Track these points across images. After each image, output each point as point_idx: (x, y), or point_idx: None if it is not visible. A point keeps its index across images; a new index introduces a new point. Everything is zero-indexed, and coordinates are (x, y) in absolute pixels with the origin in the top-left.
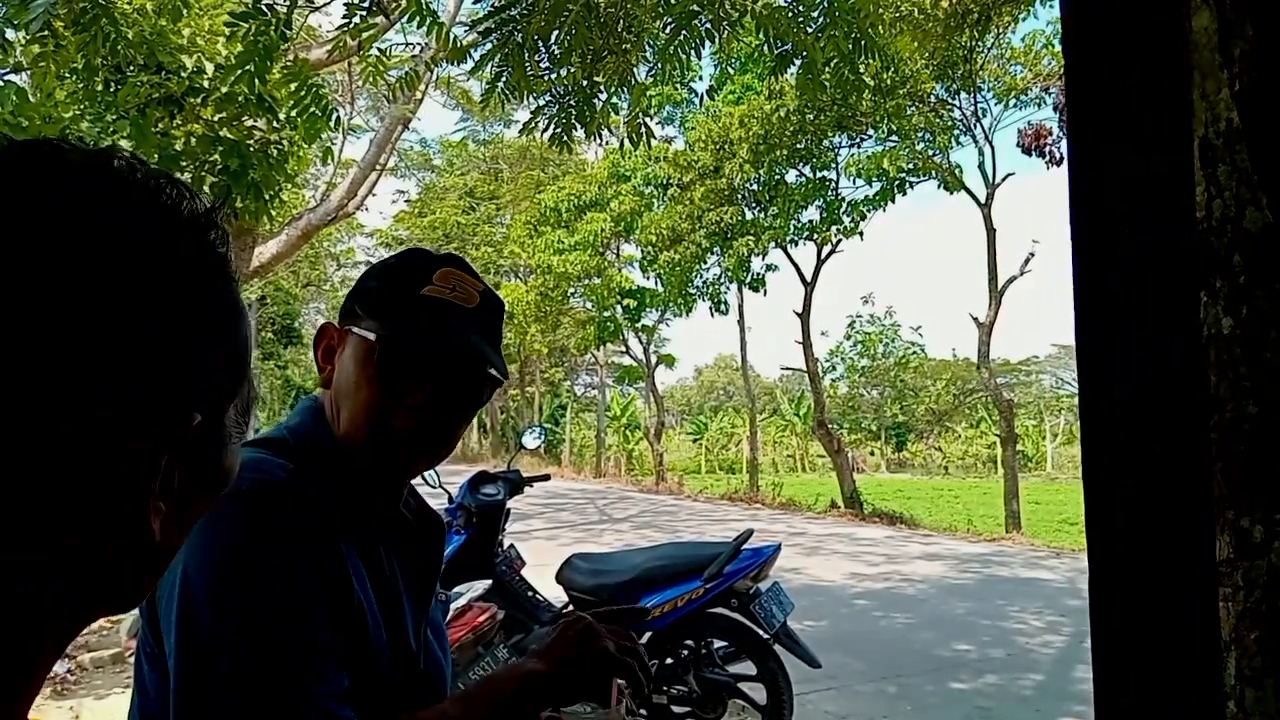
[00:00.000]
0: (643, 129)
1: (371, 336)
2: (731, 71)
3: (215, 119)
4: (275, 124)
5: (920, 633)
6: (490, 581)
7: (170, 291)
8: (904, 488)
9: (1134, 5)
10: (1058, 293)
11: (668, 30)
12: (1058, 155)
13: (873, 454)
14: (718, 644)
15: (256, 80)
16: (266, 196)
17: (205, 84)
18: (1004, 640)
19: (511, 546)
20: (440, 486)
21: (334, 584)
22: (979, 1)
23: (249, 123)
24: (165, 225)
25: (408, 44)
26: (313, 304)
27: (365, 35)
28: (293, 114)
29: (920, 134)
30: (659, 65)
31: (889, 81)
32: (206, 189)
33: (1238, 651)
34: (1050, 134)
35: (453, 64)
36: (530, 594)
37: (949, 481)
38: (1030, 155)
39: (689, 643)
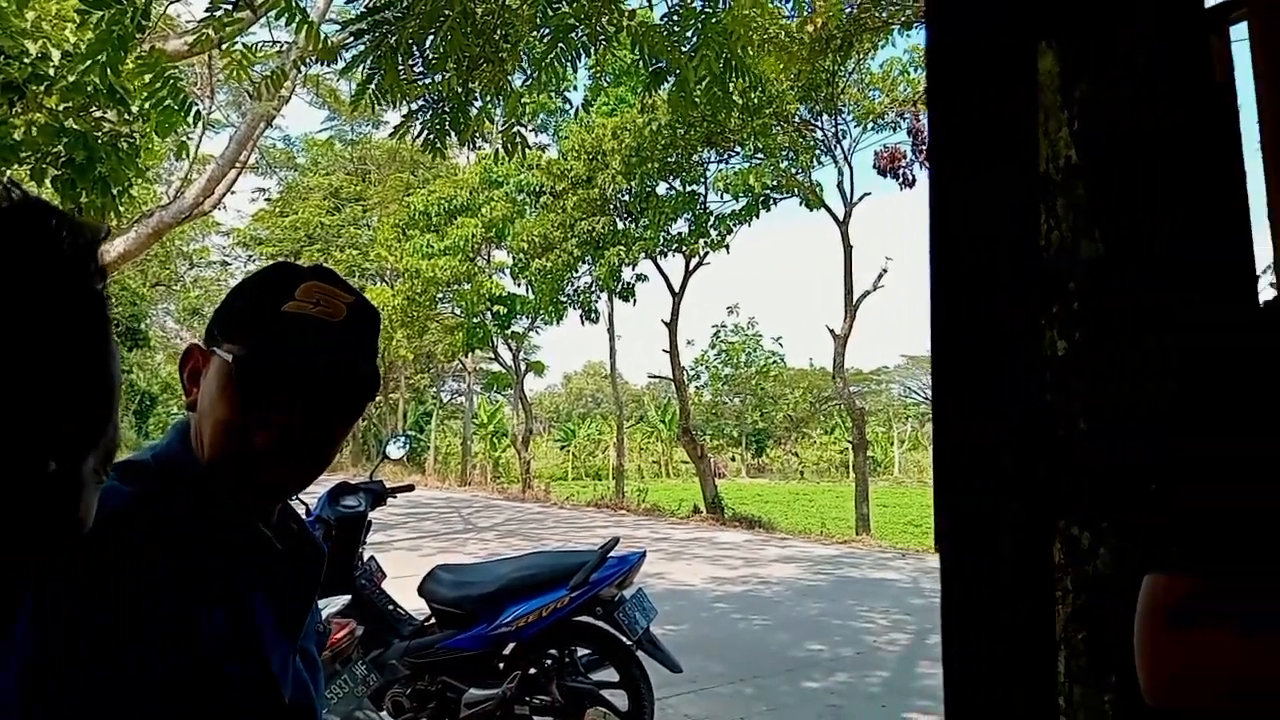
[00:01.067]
0: (517, 138)
1: (229, 357)
2: (606, 84)
3: (60, 108)
4: (127, 116)
5: (776, 634)
6: (349, 596)
7: (37, 335)
8: (763, 492)
9: (987, 50)
10: (907, 307)
11: (545, 41)
12: (911, 178)
13: (734, 459)
14: (581, 652)
15: (109, 70)
16: (115, 192)
17: (50, 72)
18: (853, 639)
19: (372, 559)
20: (297, 499)
21: (166, 611)
22: (842, 28)
23: (98, 114)
24: (38, 260)
25: (274, 41)
26: (161, 304)
27: (229, 29)
28: (146, 107)
29: (784, 152)
30: (535, 75)
31: (756, 101)
32: (49, 183)
33: (1067, 650)
34: (904, 157)
35: (322, 63)
36: (391, 608)
37: (805, 486)
38: (885, 177)
39: (553, 652)
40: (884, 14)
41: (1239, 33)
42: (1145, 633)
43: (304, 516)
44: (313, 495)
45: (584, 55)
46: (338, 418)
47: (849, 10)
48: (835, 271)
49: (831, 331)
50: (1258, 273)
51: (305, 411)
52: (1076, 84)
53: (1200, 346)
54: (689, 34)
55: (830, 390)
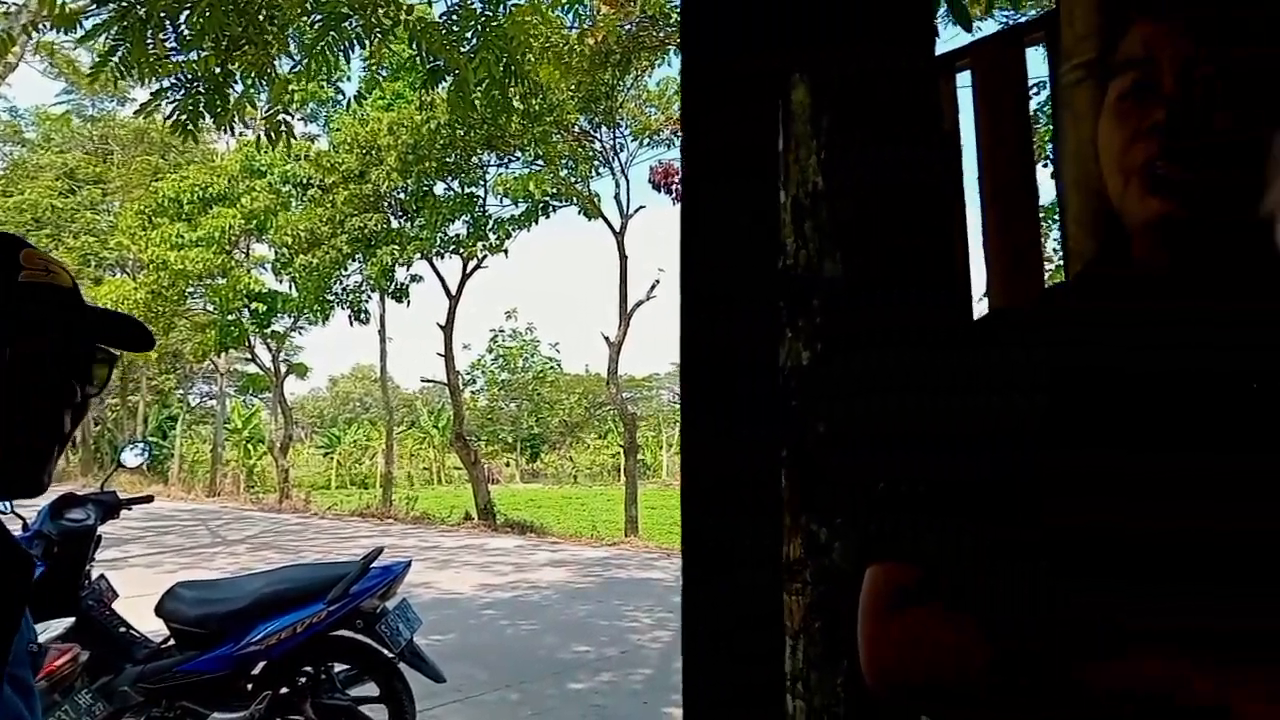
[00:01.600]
0: (282, 125)
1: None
2: (383, 77)
3: None
4: None
5: (544, 637)
6: (73, 619)
7: None
8: (536, 497)
9: (741, 83)
10: (677, 316)
11: (315, 27)
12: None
13: (509, 465)
14: (339, 668)
15: None
16: None
17: None
18: (619, 639)
19: (101, 578)
20: (11, 511)
21: None
22: (621, 44)
23: None
24: None
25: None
26: None
27: None
28: None
29: (564, 161)
30: (304, 61)
31: (537, 108)
32: None
33: (805, 639)
34: (678, 174)
35: (58, 30)
36: (122, 630)
37: (578, 490)
38: (659, 191)
39: (307, 669)
40: (661, 34)
41: (964, 79)
42: (866, 619)
43: (21, 531)
44: (34, 508)
45: (358, 46)
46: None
47: (628, 27)
48: (611, 281)
49: (606, 339)
50: (974, 297)
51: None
52: (823, 115)
53: (920, 357)
54: (468, 35)
55: (604, 396)
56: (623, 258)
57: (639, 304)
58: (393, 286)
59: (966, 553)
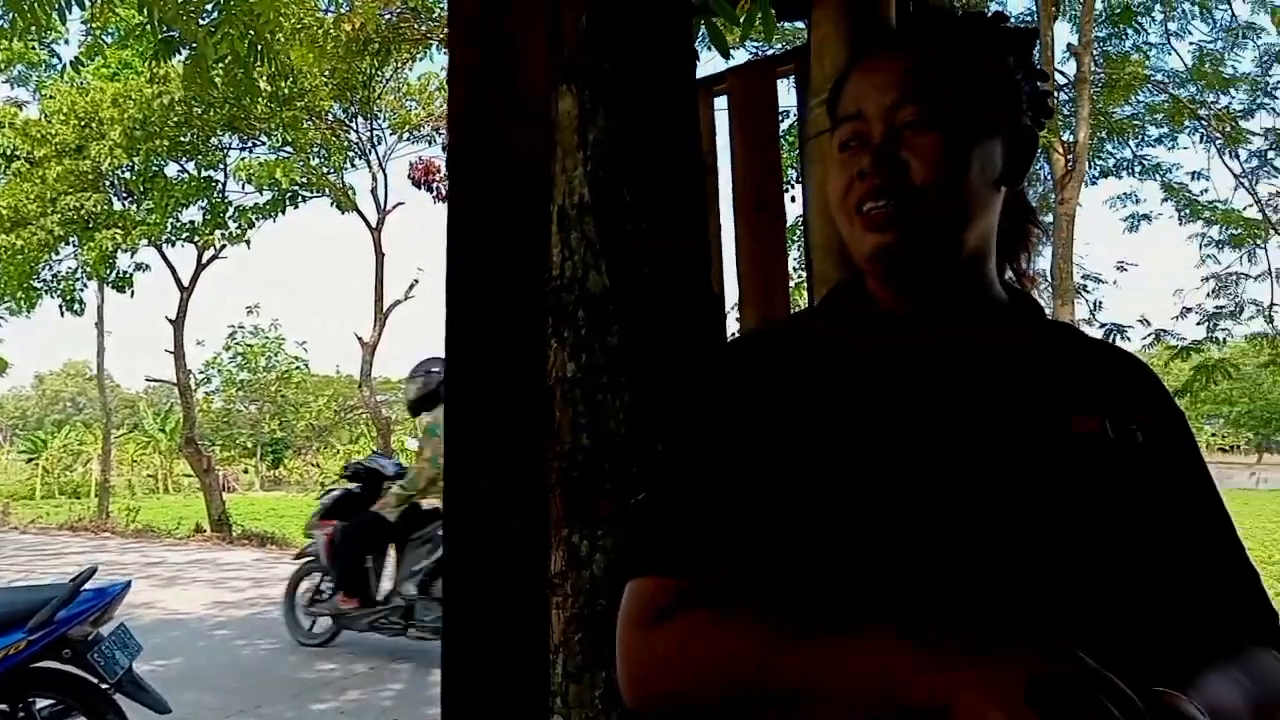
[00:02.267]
0: None
1: None
2: (107, 43)
3: None
4: None
5: (285, 657)
6: None
7: None
8: (278, 506)
9: (509, 87)
10: (437, 317)
11: None
12: (444, 191)
13: (247, 472)
14: (43, 703)
15: None
16: None
17: None
18: (367, 655)
19: None
20: None
21: None
22: (380, 33)
23: None
24: None
25: None
26: None
27: None
28: None
29: (316, 149)
30: (8, 15)
31: (287, 92)
32: None
33: (565, 652)
34: (438, 171)
35: None
36: None
37: None
38: (419, 188)
39: (3, 707)
40: (424, 28)
41: (722, 102)
42: (625, 632)
43: None
44: None
45: (76, 7)
46: None
47: (388, 17)
48: (367, 278)
49: (360, 339)
50: (727, 309)
51: None
52: (589, 128)
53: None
54: (209, 7)
55: (356, 399)
56: (379, 255)
57: (396, 304)
58: (114, 275)
59: (726, 561)
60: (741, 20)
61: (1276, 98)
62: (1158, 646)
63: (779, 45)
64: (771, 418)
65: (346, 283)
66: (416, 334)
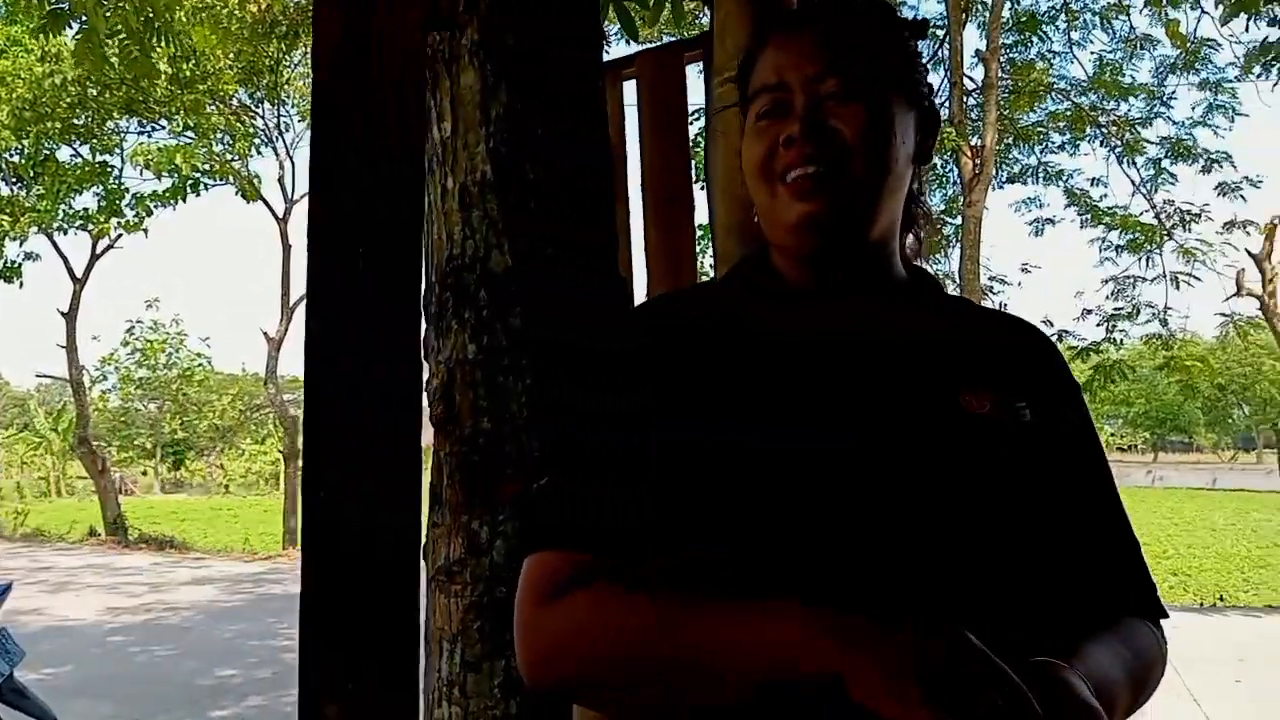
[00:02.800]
0: None
1: None
2: None
3: None
4: None
5: (183, 663)
6: None
7: None
8: (179, 509)
9: (387, 62)
10: None
11: None
12: None
13: (146, 474)
14: None
15: None
16: None
17: None
18: (272, 659)
19: None
20: None
21: None
22: (288, 15)
23: None
24: None
25: None
26: None
27: None
28: None
29: (219, 135)
30: None
31: (189, 74)
32: None
33: (464, 641)
34: None
35: None
36: None
37: (230, 500)
38: None
39: None
40: None
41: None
42: (523, 609)
43: None
44: None
45: None
46: None
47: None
48: (274, 271)
49: (266, 335)
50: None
51: None
52: (492, 103)
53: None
54: None
55: (262, 397)
56: (286, 247)
57: (303, 297)
58: (1, 264)
59: (627, 535)
60: (650, 5)
61: (1171, 107)
62: (1042, 617)
63: (689, 29)
64: (672, 393)
65: (252, 276)
66: None
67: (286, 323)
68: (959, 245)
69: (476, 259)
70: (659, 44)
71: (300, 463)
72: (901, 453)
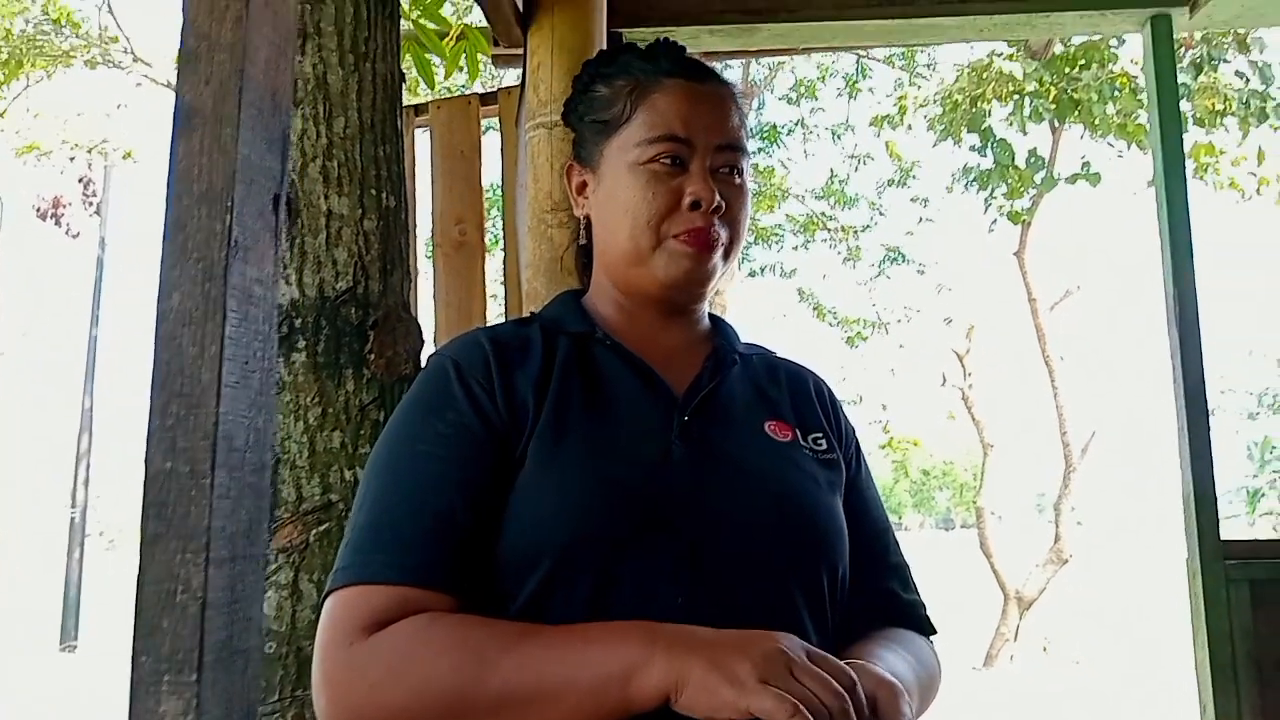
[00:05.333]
0: None
1: None
2: None
3: None
4: None
5: None
6: None
7: None
8: None
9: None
10: (65, 369)
11: None
12: (71, 228)
13: None
14: None
15: None
16: None
17: None
18: None
19: None
20: None
21: None
22: (11, 43)
23: None
24: None
25: None
26: None
27: None
28: None
29: None
30: None
31: None
32: None
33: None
34: (68, 205)
35: None
36: None
37: None
38: (46, 221)
39: None
40: (66, 43)
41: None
42: (329, 650)
43: None
44: None
45: None
46: None
47: (23, 27)
48: None
49: None
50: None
51: None
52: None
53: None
54: None
55: None
56: None
57: None
58: None
59: (442, 565)
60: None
61: (886, 216)
62: (837, 627)
63: (483, 84)
64: (490, 425)
65: None
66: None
67: None
68: None
69: (289, 284)
70: (457, 96)
71: None
72: (728, 477)
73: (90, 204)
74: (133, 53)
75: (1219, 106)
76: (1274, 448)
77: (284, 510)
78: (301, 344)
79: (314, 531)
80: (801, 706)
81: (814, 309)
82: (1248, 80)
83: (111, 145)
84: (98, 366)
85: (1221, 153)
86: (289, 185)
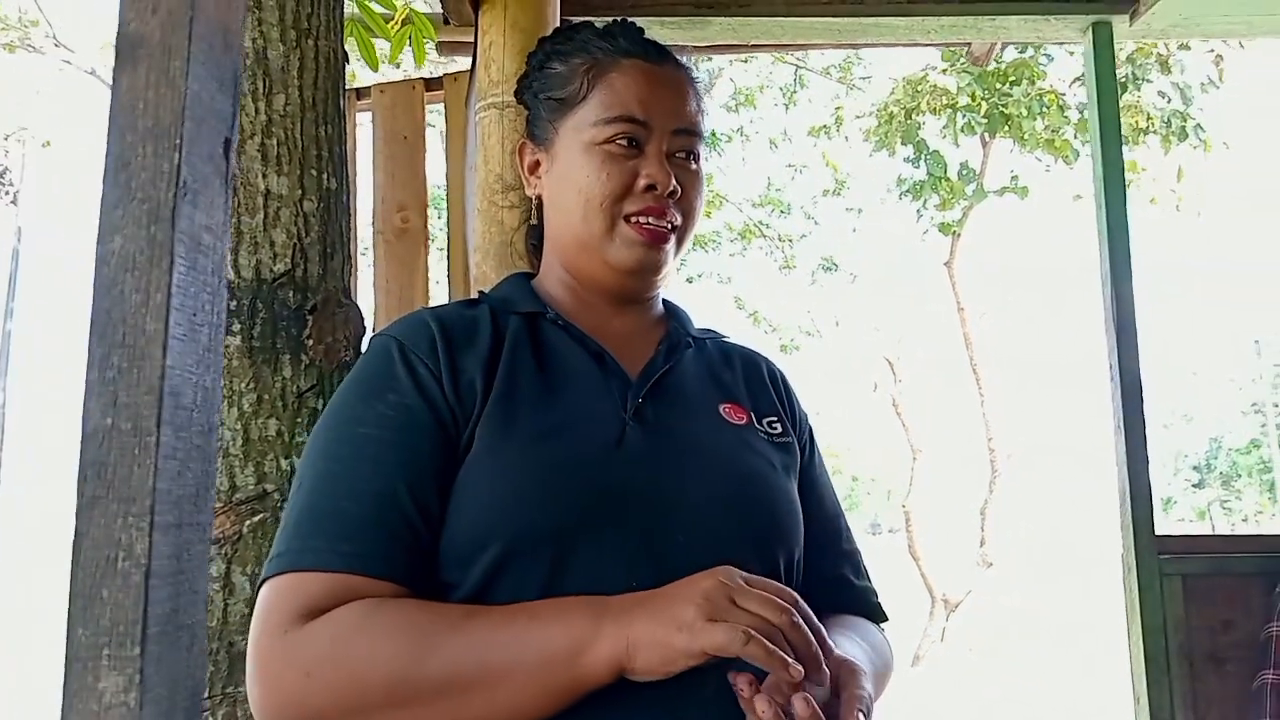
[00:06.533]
0: None
1: None
2: None
3: None
4: None
5: None
6: None
7: None
8: None
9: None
10: None
11: None
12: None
13: None
14: None
15: None
16: None
17: None
18: None
19: None
20: None
21: None
22: None
23: None
24: None
25: None
26: None
27: None
28: None
29: None
30: None
31: None
32: None
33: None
34: None
35: None
36: None
37: None
38: None
39: None
40: None
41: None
42: (264, 640)
43: None
44: None
45: None
46: None
47: None
48: None
49: None
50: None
51: None
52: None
53: None
54: None
55: None
56: None
57: None
58: None
59: (383, 549)
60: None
61: (820, 225)
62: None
63: (429, 66)
64: (436, 407)
65: None
66: None
67: None
68: None
69: (245, 270)
70: (401, 80)
71: None
72: (681, 460)
73: (6, 193)
74: (54, 37)
75: (1142, 124)
76: (1185, 456)
77: (217, 500)
78: (236, 327)
79: (248, 522)
80: (753, 631)
81: (750, 316)
82: (1169, 100)
83: (30, 133)
84: (10, 362)
85: (1144, 169)
86: None
